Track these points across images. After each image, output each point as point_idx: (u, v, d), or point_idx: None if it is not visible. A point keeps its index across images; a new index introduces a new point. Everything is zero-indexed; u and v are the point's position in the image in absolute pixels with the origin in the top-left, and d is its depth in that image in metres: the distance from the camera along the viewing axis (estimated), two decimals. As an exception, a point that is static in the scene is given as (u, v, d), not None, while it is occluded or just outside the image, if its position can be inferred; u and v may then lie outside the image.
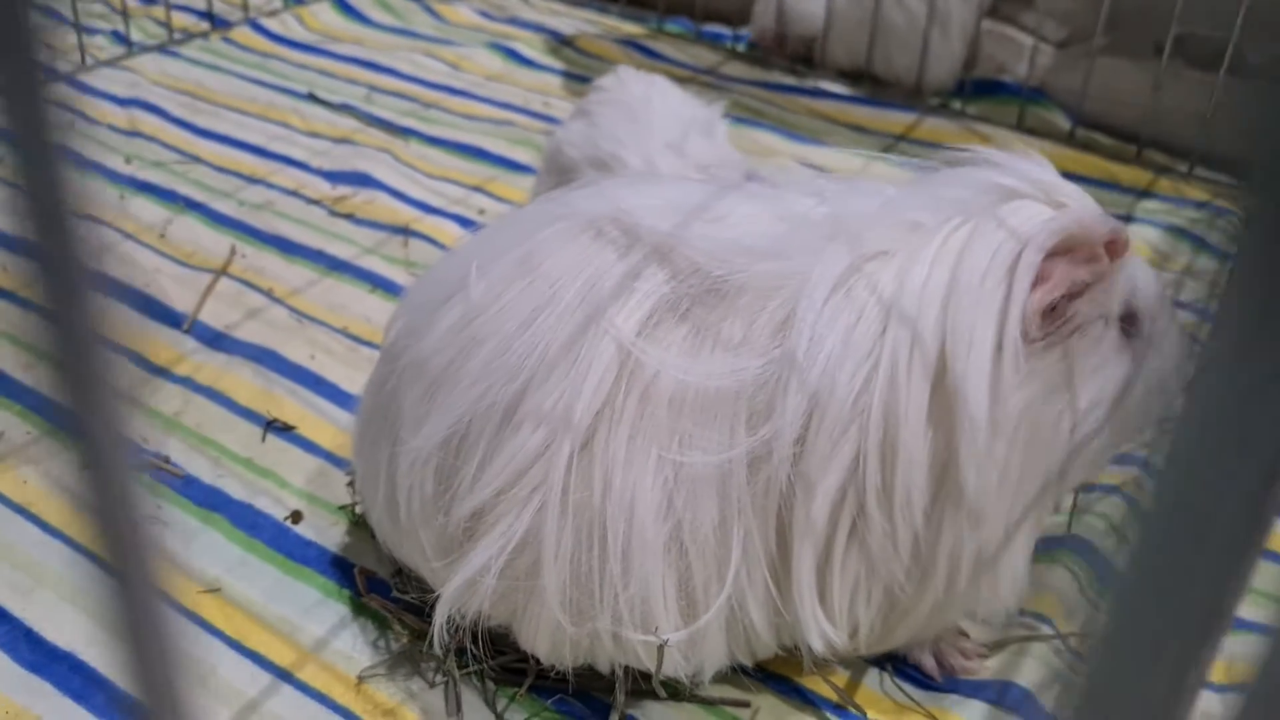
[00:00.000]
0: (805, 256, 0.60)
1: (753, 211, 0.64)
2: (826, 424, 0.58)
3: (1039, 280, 0.59)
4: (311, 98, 1.49)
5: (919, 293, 0.59)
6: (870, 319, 0.59)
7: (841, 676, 0.73)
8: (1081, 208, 0.62)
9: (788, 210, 0.64)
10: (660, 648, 0.61)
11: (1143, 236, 1.25)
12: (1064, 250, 0.60)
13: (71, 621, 0.74)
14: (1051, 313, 0.60)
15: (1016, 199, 0.62)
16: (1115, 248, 0.61)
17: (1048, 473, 0.62)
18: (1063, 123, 1.50)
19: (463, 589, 0.62)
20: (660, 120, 0.97)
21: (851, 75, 1.61)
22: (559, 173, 1.02)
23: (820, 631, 0.62)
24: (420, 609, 0.73)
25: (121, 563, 0.22)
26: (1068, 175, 1.40)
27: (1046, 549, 0.80)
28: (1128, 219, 1.29)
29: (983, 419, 0.58)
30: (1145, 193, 1.36)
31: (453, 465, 0.61)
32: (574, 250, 0.62)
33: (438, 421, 0.61)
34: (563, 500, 0.58)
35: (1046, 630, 0.75)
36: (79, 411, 0.21)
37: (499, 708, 0.69)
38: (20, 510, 0.82)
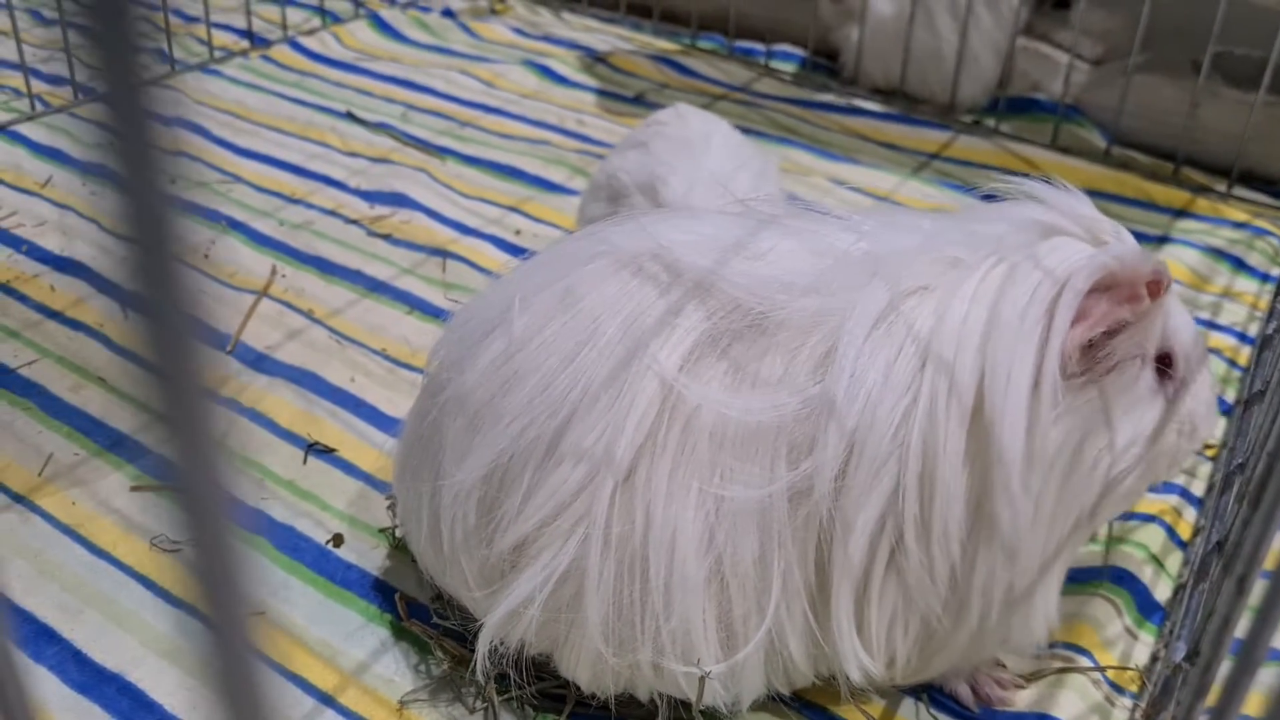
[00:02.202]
0: (845, 293, 0.61)
1: (792, 247, 0.64)
2: (866, 459, 0.59)
3: (1079, 317, 0.59)
4: (349, 116, 1.51)
5: (958, 329, 0.59)
6: (909, 354, 0.60)
7: (877, 706, 0.73)
8: (1123, 245, 0.62)
9: (827, 246, 0.64)
10: (701, 679, 0.62)
11: (1180, 257, 1.24)
12: (1105, 287, 0.60)
13: (119, 643, 0.75)
14: (1090, 349, 0.60)
15: (1057, 235, 0.62)
16: (1156, 287, 0.61)
17: (1081, 508, 0.62)
18: (1098, 141, 1.49)
19: (506, 619, 0.63)
20: (715, 158, 0.98)
21: (885, 92, 1.61)
22: (610, 200, 1.03)
23: (858, 662, 0.62)
24: (461, 634, 0.74)
25: (219, 619, 0.22)
26: (1103, 194, 1.41)
27: (1084, 579, 0.80)
28: (1164, 239, 1.29)
29: (1019, 454, 0.58)
30: (1182, 212, 1.35)
31: (495, 498, 0.62)
32: (615, 286, 0.62)
33: (480, 455, 0.62)
34: (605, 533, 0.59)
35: (1084, 661, 0.75)
36: (182, 466, 0.21)
37: (538, 734, 0.70)
38: (68, 531, 0.84)
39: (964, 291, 0.60)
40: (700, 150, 1.01)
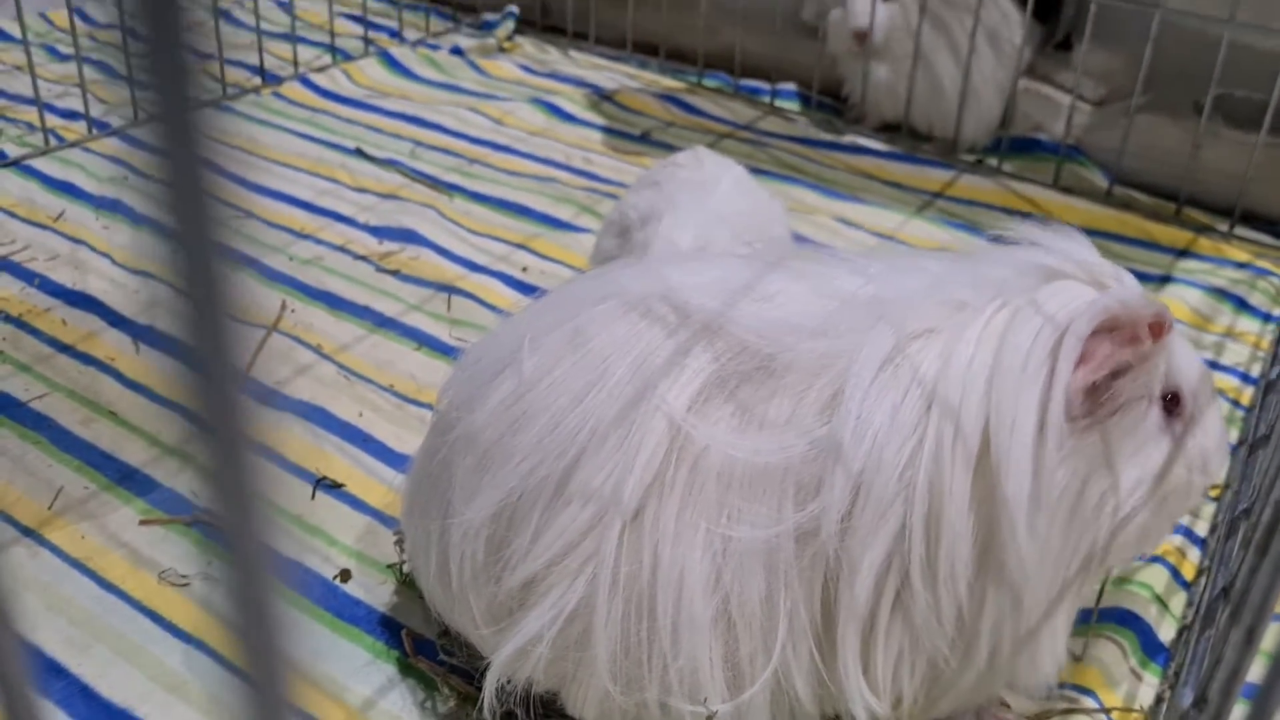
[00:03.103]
0: (852, 335, 0.62)
1: (799, 291, 0.65)
2: (872, 500, 0.59)
3: (1083, 360, 0.60)
4: (359, 153, 1.52)
5: (964, 371, 0.60)
6: (915, 397, 0.60)
7: (884, 746, 0.73)
8: (1124, 288, 0.63)
9: (834, 289, 0.65)
10: (708, 718, 0.62)
11: (1182, 297, 1.25)
12: (1107, 330, 0.61)
13: (128, 677, 0.76)
14: (1094, 392, 0.61)
15: (1059, 279, 0.63)
16: (1158, 329, 0.61)
17: (1090, 549, 0.62)
18: (1100, 181, 1.51)
19: (513, 657, 0.63)
20: (724, 199, 1.00)
21: (889, 129, 1.63)
22: (620, 235, 1.05)
23: (864, 702, 0.63)
24: (468, 672, 0.74)
25: (258, 673, 0.22)
26: (1105, 234, 1.42)
27: (1090, 620, 0.80)
28: (1167, 279, 1.30)
29: (1025, 496, 0.58)
30: (1184, 252, 1.36)
31: (504, 536, 0.62)
32: (624, 327, 0.63)
33: (490, 494, 0.62)
34: (614, 573, 0.59)
35: (1089, 702, 0.75)
36: (227, 516, 0.21)
37: (544, 772, 0.70)
38: (77, 565, 0.84)
39: (969, 335, 0.61)
40: (710, 191, 1.03)
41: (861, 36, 1.53)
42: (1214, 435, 0.66)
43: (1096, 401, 0.61)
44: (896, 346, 0.61)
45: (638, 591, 0.60)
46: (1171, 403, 0.64)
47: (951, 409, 0.59)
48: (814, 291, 0.65)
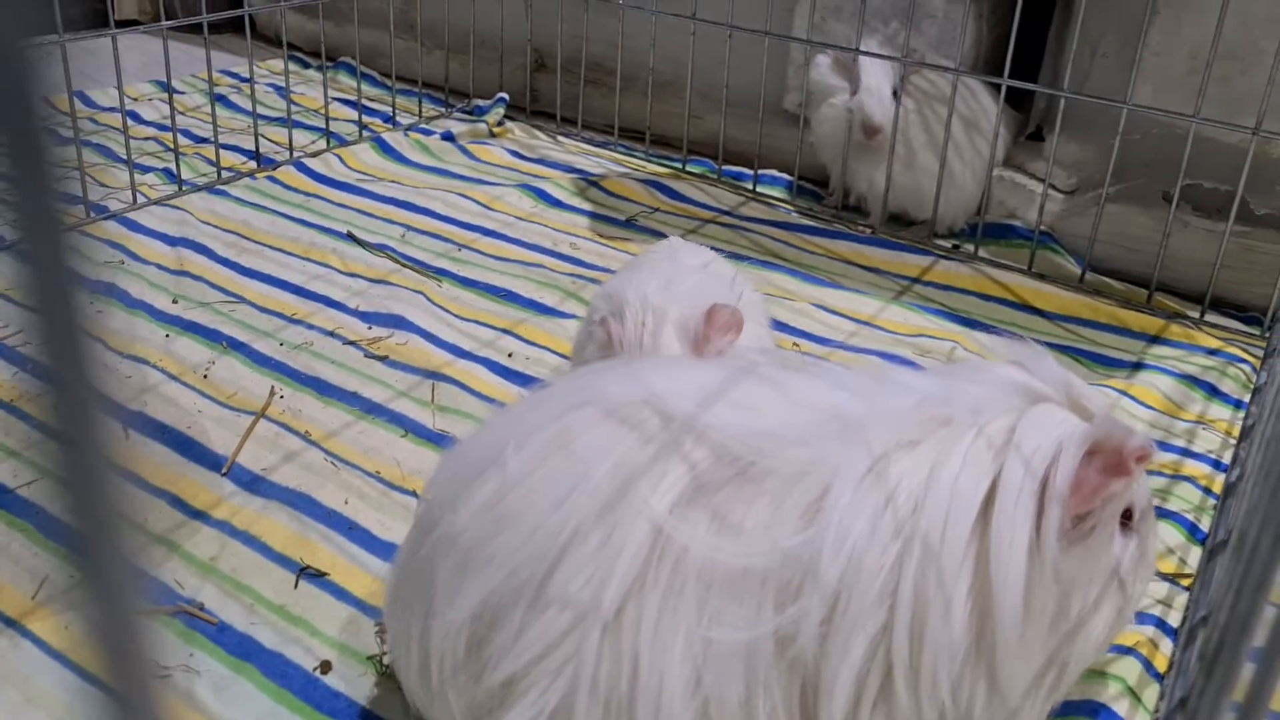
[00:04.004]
0: (833, 444, 0.64)
1: (780, 399, 0.67)
2: (853, 606, 0.61)
3: (1075, 488, 0.62)
4: (350, 238, 1.56)
5: (950, 487, 0.62)
6: (898, 506, 0.62)
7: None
8: (1107, 417, 0.66)
9: (814, 400, 0.68)
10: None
11: (1154, 383, 1.27)
12: (1092, 456, 0.64)
13: (106, 772, 0.76)
14: (1084, 518, 0.64)
15: (1042, 402, 0.66)
16: (1143, 459, 0.64)
17: (1064, 658, 0.65)
18: (1073, 267, 1.55)
19: (493, 755, 0.64)
20: (690, 281, 1.03)
21: (867, 213, 1.68)
22: (593, 327, 1.07)
23: None
24: (445, 767, 0.74)
25: (125, 689, 0.22)
26: (1078, 320, 1.45)
27: (1065, 713, 0.81)
28: (1139, 365, 1.32)
29: (1019, 614, 0.61)
30: (1156, 338, 1.39)
31: (485, 636, 0.63)
32: (605, 431, 0.65)
33: (471, 595, 0.63)
34: (594, 675, 0.60)
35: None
36: (84, 533, 0.21)
37: None
38: (59, 657, 0.85)
39: (958, 449, 0.63)
40: (681, 279, 1.05)
41: (873, 131, 1.57)
42: (1152, 552, 0.71)
43: (1085, 524, 0.64)
44: (880, 456, 0.63)
45: (618, 696, 0.61)
46: (1126, 517, 0.68)
47: (939, 524, 0.61)
48: (795, 403, 0.67)
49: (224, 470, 1.06)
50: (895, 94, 1.57)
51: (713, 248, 1.17)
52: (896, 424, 0.64)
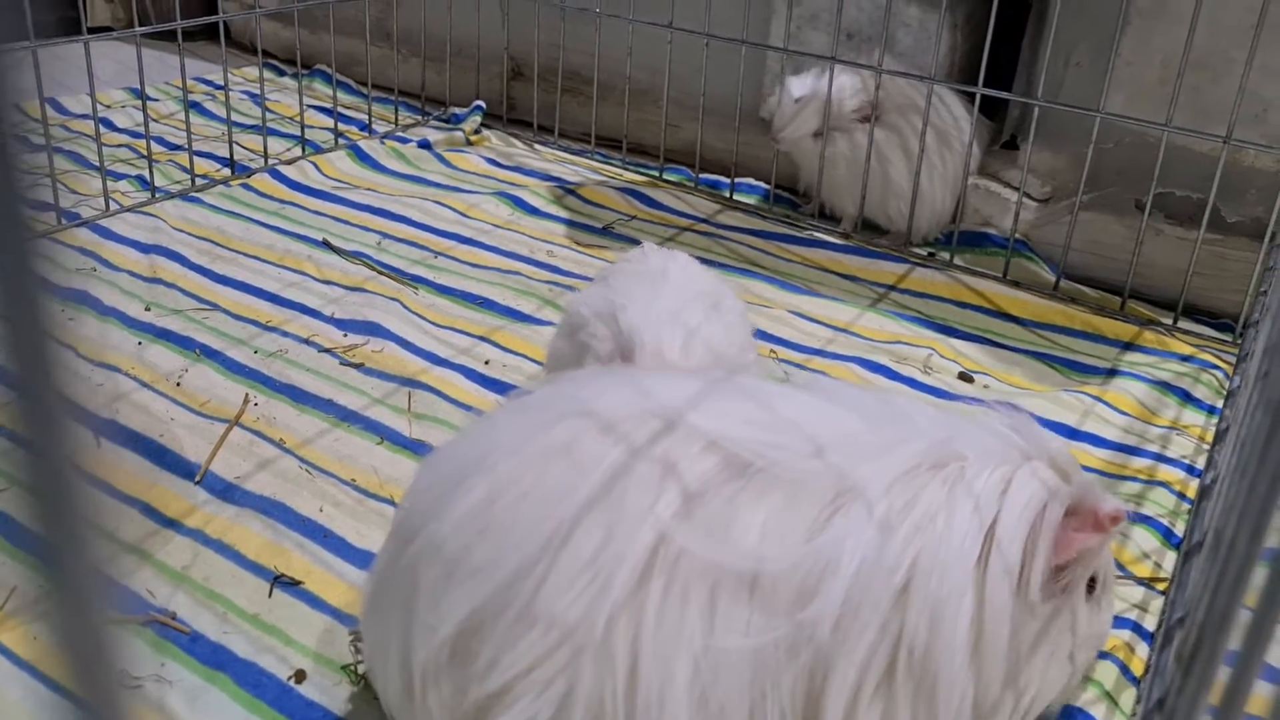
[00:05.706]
0: (844, 459, 0.65)
1: (787, 413, 0.68)
2: (861, 617, 0.61)
3: (1058, 544, 0.66)
4: (326, 245, 1.55)
5: (951, 532, 0.64)
6: (915, 525, 0.63)
7: None
8: (1087, 483, 0.70)
9: (820, 416, 0.69)
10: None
11: (1128, 390, 1.28)
12: (1072, 515, 0.67)
13: (75, 785, 0.74)
14: (1059, 571, 0.67)
15: (1033, 460, 0.69)
16: (1116, 523, 0.68)
17: (1031, 701, 0.68)
18: (1047, 274, 1.56)
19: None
20: (671, 288, 1.02)
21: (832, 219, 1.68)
22: (571, 333, 1.06)
23: None
24: (421, 777, 0.73)
25: (94, 700, 0.22)
26: (1053, 327, 1.46)
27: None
28: (1113, 371, 1.33)
29: (1004, 649, 0.63)
30: (1130, 345, 1.41)
31: (473, 648, 0.62)
32: (605, 440, 0.64)
33: (457, 606, 0.62)
34: (590, 689, 0.59)
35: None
36: (53, 543, 0.21)
37: None
38: (27, 668, 0.83)
39: (963, 489, 0.66)
40: (655, 282, 1.05)
41: (866, 116, 1.59)
42: (1109, 615, 0.76)
43: (1062, 579, 0.68)
44: (894, 480, 0.64)
45: (616, 708, 0.60)
46: (1091, 581, 0.72)
47: (946, 549, 0.63)
48: (801, 418, 0.68)
49: (197, 478, 1.05)
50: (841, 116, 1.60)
51: (697, 258, 1.17)
52: (912, 449, 0.66)
